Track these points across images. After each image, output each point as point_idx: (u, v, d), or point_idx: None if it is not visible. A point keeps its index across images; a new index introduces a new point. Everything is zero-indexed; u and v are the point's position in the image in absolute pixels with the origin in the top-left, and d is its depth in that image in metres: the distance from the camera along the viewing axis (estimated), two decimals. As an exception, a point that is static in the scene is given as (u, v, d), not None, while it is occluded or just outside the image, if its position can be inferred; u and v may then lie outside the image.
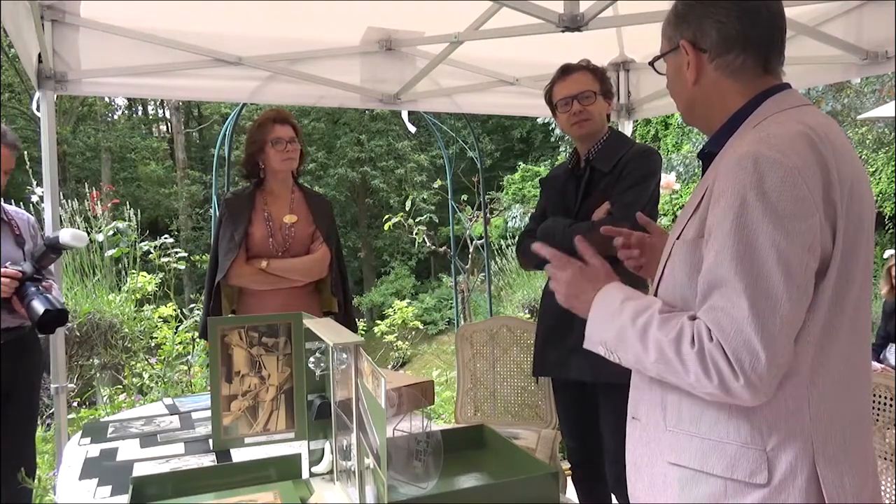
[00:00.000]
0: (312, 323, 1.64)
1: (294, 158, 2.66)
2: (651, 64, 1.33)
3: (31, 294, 2.26)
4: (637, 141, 2.56)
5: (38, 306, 2.20)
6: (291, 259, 2.62)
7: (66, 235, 2.37)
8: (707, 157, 1.23)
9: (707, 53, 1.20)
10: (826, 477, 1.06)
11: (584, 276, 1.26)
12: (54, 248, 2.38)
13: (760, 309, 1.00)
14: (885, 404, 1.99)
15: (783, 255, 1.01)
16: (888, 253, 5.57)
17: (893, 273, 4.52)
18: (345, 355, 1.45)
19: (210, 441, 1.95)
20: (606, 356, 1.19)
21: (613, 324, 1.16)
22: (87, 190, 4.97)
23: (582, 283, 1.25)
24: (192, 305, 4.86)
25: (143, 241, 4.88)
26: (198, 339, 4.38)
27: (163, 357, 4.22)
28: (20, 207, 2.99)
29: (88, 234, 4.68)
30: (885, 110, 6.54)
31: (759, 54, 1.18)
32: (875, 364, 4.32)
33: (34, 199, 4.31)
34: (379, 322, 6.57)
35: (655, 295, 1.24)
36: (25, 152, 4.16)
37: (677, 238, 1.19)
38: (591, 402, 2.33)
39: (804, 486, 1.05)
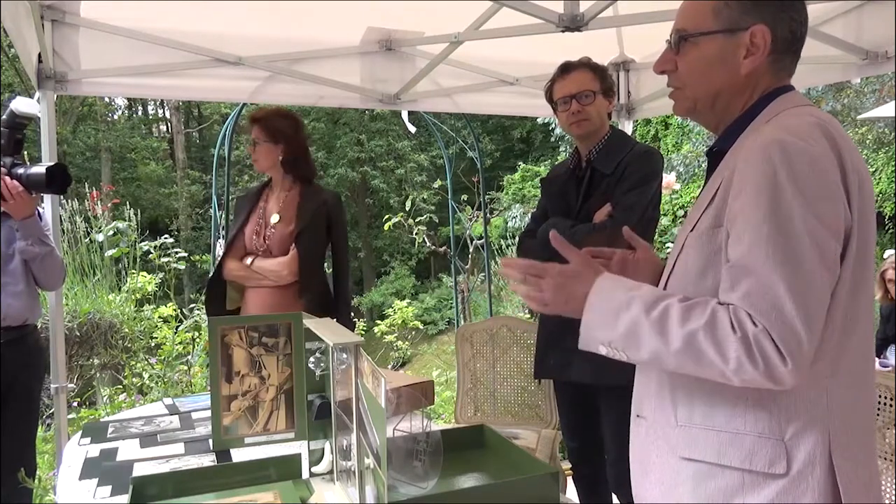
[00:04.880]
0: (312, 323, 1.65)
1: (257, 160, 2.68)
2: (685, 38, 1.20)
3: (23, 171, 2.35)
4: (637, 141, 2.56)
5: (38, 169, 2.34)
6: (269, 259, 2.63)
7: (17, 104, 2.36)
8: (715, 155, 1.23)
9: (770, 45, 1.15)
10: (841, 467, 1.05)
11: (568, 276, 1.17)
12: (13, 125, 2.38)
13: (799, 292, 1.00)
14: (885, 404, 1.99)
15: (816, 238, 1.01)
16: (888, 253, 5.57)
17: (887, 278, 4.52)
18: (345, 355, 1.45)
19: (210, 441, 1.95)
20: (609, 355, 1.12)
21: (621, 320, 1.08)
22: (87, 190, 4.98)
23: (569, 284, 1.16)
24: (192, 305, 4.86)
25: (143, 241, 4.88)
26: (198, 339, 4.39)
27: (163, 357, 4.22)
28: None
29: (88, 234, 4.69)
30: (885, 110, 6.54)
31: (795, 60, 1.20)
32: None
33: (34, 198, 4.31)
34: (379, 322, 6.57)
35: (664, 289, 1.22)
36: (26, 152, 4.16)
37: (691, 230, 1.17)
38: (592, 403, 2.33)
39: (822, 476, 1.05)
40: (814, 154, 1.04)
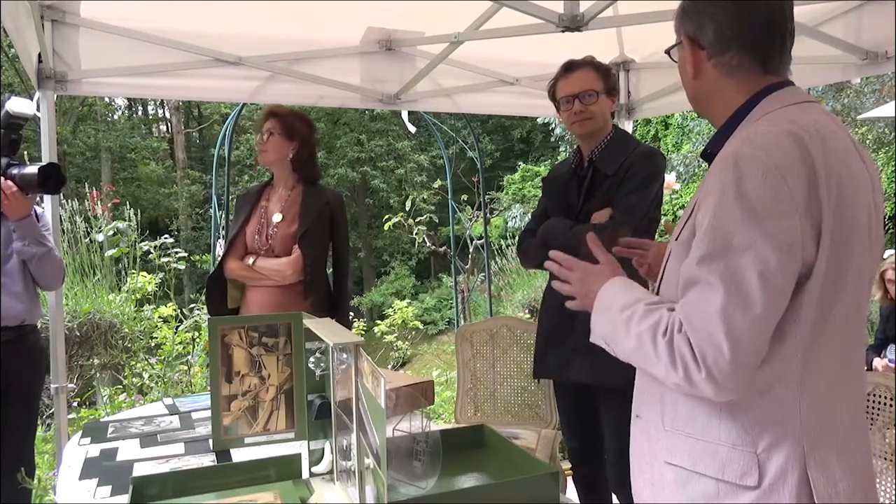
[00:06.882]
0: (312, 323, 1.65)
1: (265, 151, 2.66)
2: (667, 52, 1.34)
3: (17, 171, 2.35)
4: (640, 141, 2.55)
5: (31, 169, 2.32)
6: (272, 259, 2.62)
7: (12, 105, 2.34)
8: (710, 157, 1.23)
9: (705, 51, 1.21)
10: (817, 480, 1.06)
11: (590, 273, 1.28)
12: (8, 125, 2.36)
13: (731, 306, 1.01)
14: (884, 404, 1.99)
15: (759, 255, 1.01)
16: (888, 253, 5.56)
17: (887, 278, 4.51)
18: (345, 355, 1.45)
19: (210, 441, 1.95)
20: (606, 349, 1.21)
21: (609, 316, 1.18)
22: (87, 190, 4.98)
23: (589, 281, 1.27)
24: (192, 305, 4.86)
25: (143, 241, 4.88)
26: (198, 339, 4.38)
27: (163, 357, 4.22)
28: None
29: (88, 234, 4.69)
30: (885, 110, 6.53)
31: (755, 55, 1.19)
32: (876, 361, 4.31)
33: (34, 198, 4.31)
34: (379, 322, 6.57)
35: (657, 293, 1.25)
36: (25, 152, 4.17)
37: (675, 239, 1.20)
38: (592, 403, 2.33)
39: (795, 489, 1.05)
40: (769, 166, 1.03)
